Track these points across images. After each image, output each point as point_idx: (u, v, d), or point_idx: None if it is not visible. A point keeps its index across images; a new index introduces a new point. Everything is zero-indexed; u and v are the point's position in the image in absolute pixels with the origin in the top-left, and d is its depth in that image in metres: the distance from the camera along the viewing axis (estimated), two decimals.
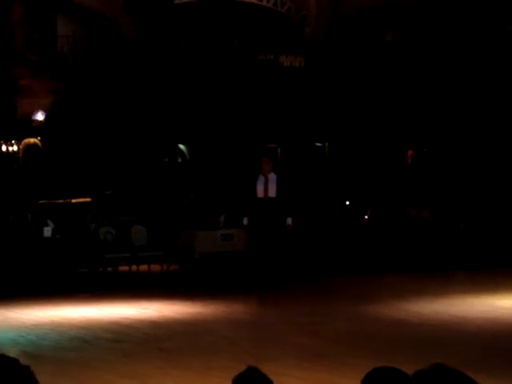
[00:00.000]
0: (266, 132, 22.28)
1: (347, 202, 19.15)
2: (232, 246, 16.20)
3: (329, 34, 22.93)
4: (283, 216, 13.82)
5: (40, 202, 17.63)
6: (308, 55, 22.92)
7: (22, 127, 20.81)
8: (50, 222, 16.04)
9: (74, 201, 18.33)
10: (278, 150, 22.78)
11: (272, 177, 13.88)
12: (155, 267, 16.66)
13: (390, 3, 22.78)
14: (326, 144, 23.03)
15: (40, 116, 21.07)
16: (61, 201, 18.17)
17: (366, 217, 18.40)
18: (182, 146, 23.34)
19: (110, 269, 16.31)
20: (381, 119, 22.19)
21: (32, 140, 21.05)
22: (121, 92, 21.46)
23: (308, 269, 16.43)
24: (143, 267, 16.56)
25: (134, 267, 16.44)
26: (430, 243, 17.57)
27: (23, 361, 9.33)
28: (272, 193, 13.76)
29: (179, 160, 23.26)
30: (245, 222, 13.99)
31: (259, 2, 22.83)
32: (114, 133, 21.55)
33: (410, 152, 19.46)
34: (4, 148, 21.05)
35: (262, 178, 13.87)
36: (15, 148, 21.04)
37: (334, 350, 9.36)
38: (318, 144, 23.06)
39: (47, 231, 15.79)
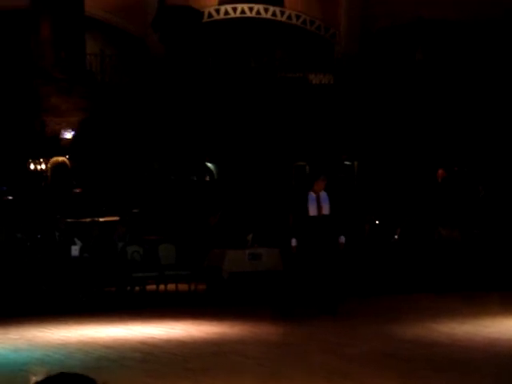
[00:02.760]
0: (294, 150, 22.21)
1: (377, 222, 18.99)
2: (260, 266, 16.08)
3: (358, 52, 22.87)
4: (337, 234, 13.58)
5: (67, 220, 17.66)
6: (337, 73, 22.87)
7: (50, 145, 20.90)
8: (77, 241, 16.04)
9: (101, 219, 18.34)
10: (307, 168, 22.70)
11: (323, 195, 13.63)
12: (183, 286, 16.59)
13: (420, 21, 22.69)
14: (355, 162, 22.90)
15: (68, 134, 21.16)
16: (88, 219, 18.19)
17: (396, 236, 18.24)
18: (210, 165, 23.33)
19: (137, 288, 16.28)
20: (410, 138, 22.05)
21: (60, 158, 21.13)
22: (149, 110, 21.50)
23: (337, 288, 16.25)
24: (171, 286, 16.50)
25: (161, 286, 16.38)
26: (461, 263, 17.37)
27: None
28: (326, 210, 13.52)
29: (207, 178, 23.24)
30: (293, 243, 13.61)
31: (288, 21, 22.83)
32: (142, 151, 21.58)
33: (440, 171, 19.31)
34: (32, 166, 21.14)
35: (312, 196, 13.60)
36: (43, 166, 21.11)
37: (362, 371, 9.24)
38: (347, 162, 22.94)
39: (75, 250, 15.79)
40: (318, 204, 13.47)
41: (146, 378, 9.20)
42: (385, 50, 22.78)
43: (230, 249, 16.17)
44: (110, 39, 22.59)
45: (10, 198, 20.27)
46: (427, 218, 18.64)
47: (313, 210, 13.47)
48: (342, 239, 13.61)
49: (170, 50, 22.14)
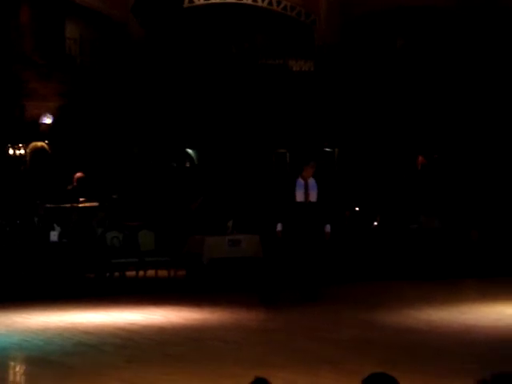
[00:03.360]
0: (275, 137, 22.19)
1: (357, 208, 19.03)
2: (240, 252, 16.09)
3: (339, 39, 22.85)
4: (322, 223, 13.52)
5: (47, 205, 17.58)
6: (317, 60, 22.85)
7: (30, 130, 20.77)
8: (56, 227, 15.97)
9: (80, 205, 18.25)
10: (287, 155, 22.69)
11: (312, 181, 13.55)
12: (162, 273, 16.57)
13: (400, 8, 22.70)
14: (336, 150, 22.92)
15: (47, 119, 21.04)
16: (67, 205, 18.10)
17: (376, 223, 18.28)
18: (190, 151, 23.27)
19: (116, 274, 16.23)
20: (391, 125, 22.08)
21: (39, 143, 21.01)
22: (129, 96, 21.40)
23: (317, 275, 16.28)
24: (150, 272, 16.47)
25: (141, 272, 16.35)
26: (439, 250, 17.45)
27: (28, 365, 9.29)
28: (313, 197, 13.45)
29: (187, 165, 23.18)
30: (278, 228, 13.51)
31: (269, 7, 22.77)
32: (122, 137, 21.49)
33: (420, 158, 19.36)
34: (11, 151, 21.01)
35: (301, 182, 13.52)
36: (22, 151, 21.00)
37: (342, 357, 9.28)
38: (328, 149, 22.95)
39: (54, 235, 15.71)
40: (306, 190, 13.42)
41: (125, 363, 9.19)
42: (365, 36, 22.77)
43: (210, 235, 16.16)
44: (90, 24, 22.45)
45: None
46: (407, 205, 18.70)
47: (300, 196, 13.43)
48: (328, 228, 13.56)
49: (151, 35, 22.02)
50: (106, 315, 12.53)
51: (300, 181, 13.48)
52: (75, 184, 18.42)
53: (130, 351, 9.85)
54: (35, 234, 16.03)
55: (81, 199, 18.24)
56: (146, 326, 11.56)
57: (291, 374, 8.17)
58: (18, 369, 9.73)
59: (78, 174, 18.49)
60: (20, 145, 20.94)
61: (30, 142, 20.95)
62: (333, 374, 8.40)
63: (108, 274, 16.13)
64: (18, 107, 21.03)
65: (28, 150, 20.99)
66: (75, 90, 21.14)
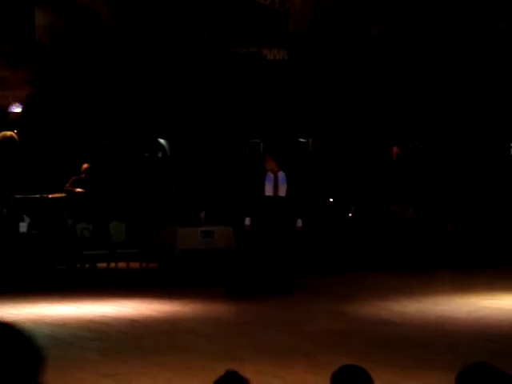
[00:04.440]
0: (248, 127, 22.05)
1: (331, 199, 18.96)
2: (213, 244, 15.95)
3: (313, 27, 22.72)
4: (293, 217, 13.34)
5: (16, 196, 17.33)
6: (291, 48, 22.72)
7: None
8: (26, 217, 15.73)
9: (50, 196, 18.00)
10: (261, 146, 22.57)
11: (281, 175, 13.36)
12: (134, 264, 16.40)
13: None
14: (310, 140, 22.82)
15: (16, 108, 20.79)
16: (37, 195, 17.85)
17: (350, 214, 18.21)
18: (162, 141, 23.09)
19: (87, 266, 16.04)
20: (365, 115, 22.02)
21: (8, 133, 20.76)
22: (99, 85, 21.17)
23: (290, 267, 16.19)
24: (121, 264, 16.30)
25: (112, 264, 16.17)
26: (414, 241, 17.42)
27: None
28: (282, 192, 13.26)
29: (159, 155, 23.00)
30: (247, 222, 13.36)
31: None
32: (93, 126, 21.26)
33: (394, 149, 19.30)
34: None
35: (270, 176, 13.34)
36: None
37: (315, 349, 9.25)
38: (302, 140, 22.85)
39: (23, 226, 15.49)
40: (275, 185, 13.28)
41: (96, 356, 9.12)
42: (340, 25, 22.67)
43: (183, 226, 16.01)
44: (60, 11, 22.18)
45: None
46: (381, 196, 18.65)
47: (269, 191, 13.27)
48: (299, 223, 13.41)
49: (121, 22, 21.80)
50: (76, 308, 12.40)
51: (269, 175, 13.32)
52: (83, 175, 18.10)
53: (101, 344, 9.78)
54: (4, 224, 15.80)
55: (78, 189, 17.96)
56: (118, 318, 11.45)
57: (263, 366, 8.13)
58: None
59: (85, 165, 18.18)
60: None
61: None
62: (305, 365, 8.37)
63: (79, 266, 15.93)
64: None
65: None
66: (45, 78, 20.88)
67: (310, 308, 12.26)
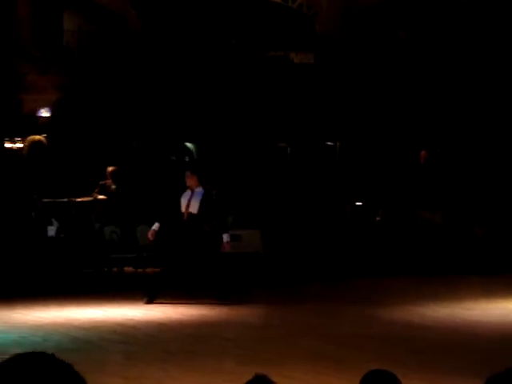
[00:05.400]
0: (275, 131, 22.02)
1: (358, 203, 18.89)
2: (240, 248, 15.92)
3: (340, 31, 22.67)
4: (219, 233, 13.13)
5: (44, 200, 17.40)
6: (318, 52, 22.68)
7: (27, 124, 20.62)
8: (54, 221, 15.79)
9: (78, 199, 18.07)
10: (288, 150, 22.53)
11: (198, 191, 13.19)
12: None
13: None
14: (337, 143, 22.74)
15: (45, 113, 20.90)
16: (65, 199, 17.92)
17: (378, 218, 18.13)
18: (189, 145, 23.12)
19: (115, 269, 16.06)
20: (393, 118, 21.91)
21: (37, 137, 20.87)
22: (128, 89, 21.24)
23: (318, 271, 16.17)
24: (148, 268, 16.30)
25: (139, 268, 16.17)
26: (442, 246, 17.30)
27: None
28: (193, 209, 13.07)
29: (186, 159, 23.02)
30: (154, 227, 13.18)
31: None
32: (121, 130, 21.33)
33: (422, 152, 19.17)
34: (9, 145, 20.89)
35: (187, 192, 13.19)
36: (20, 145, 20.88)
37: (343, 353, 9.20)
38: (329, 143, 22.77)
39: (51, 230, 15.56)
40: (189, 201, 13.13)
41: (124, 360, 9.12)
42: (367, 28, 22.59)
43: None
44: (88, 16, 22.29)
45: None
46: (409, 199, 18.54)
47: (183, 206, 13.14)
48: (226, 238, 13.09)
49: (149, 26, 21.87)
50: (104, 311, 12.43)
51: (187, 191, 13.19)
52: (109, 179, 18.14)
53: (129, 347, 9.81)
54: (32, 228, 15.86)
55: (100, 196, 17.98)
56: (145, 322, 11.48)
57: (290, 370, 8.09)
58: None
59: (111, 168, 18.19)
60: (17, 138, 20.82)
61: (28, 135, 20.82)
62: (333, 370, 8.33)
63: (106, 270, 15.96)
64: (16, 100, 20.88)
65: (25, 144, 20.86)
66: (73, 82, 20.98)
67: (337, 312, 12.20)
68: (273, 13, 22.74)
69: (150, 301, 12.95)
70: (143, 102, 21.29)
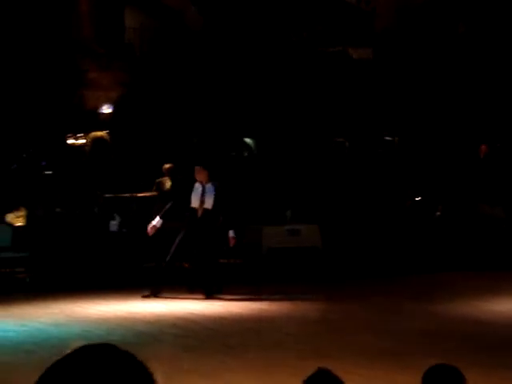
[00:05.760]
0: (333, 126, 22.01)
1: (418, 198, 18.79)
2: (299, 242, 15.99)
3: (398, 26, 22.54)
4: (226, 229, 13.09)
5: (106, 195, 17.65)
6: (377, 47, 22.59)
7: (90, 120, 20.89)
8: (116, 216, 16.00)
9: (139, 195, 18.28)
10: (346, 144, 22.50)
11: (209, 187, 13.15)
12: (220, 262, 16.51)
13: None
14: (396, 138, 22.64)
15: (107, 109, 21.14)
16: (127, 195, 18.14)
17: (438, 213, 18.02)
18: (248, 140, 23.22)
19: (176, 263, 16.18)
20: (453, 113, 21.73)
21: (99, 133, 21.12)
22: (188, 85, 21.41)
23: (377, 266, 16.14)
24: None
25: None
26: (502, 240, 17.13)
27: None
28: (208, 204, 13.04)
29: (246, 154, 23.12)
30: (154, 222, 13.10)
31: None
32: (181, 126, 21.51)
33: (483, 147, 19.00)
34: (71, 141, 21.18)
35: (198, 187, 13.12)
36: (82, 141, 21.15)
37: (402, 349, 9.19)
38: (388, 138, 22.68)
39: (113, 225, 15.76)
40: (202, 196, 13.05)
41: (185, 353, 9.22)
42: (426, 23, 22.43)
43: (269, 225, 16.09)
44: (149, 13, 22.49)
45: (49, 172, 20.32)
46: (469, 194, 18.39)
47: (194, 202, 13.05)
48: (232, 233, 13.08)
49: (209, 23, 22.00)
50: (165, 305, 12.56)
51: (197, 186, 13.11)
52: (167, 175, 18.28)
53: (190, 341, 9.89)
54: (95, 223, 16.10)
55: (140, 194, 18.14)
56: (205, 315, 11.58)
57: (350, 365, 8.08)
58: None
59: (167, 166, 18.33)
60: (80, 135, 21.10)
61: (90, 131, 21.09)
62: (394, 365, 8.32)
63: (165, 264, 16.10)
64: (78, 97, 21.16)
65: (88, 140, 21.13)
66: (135, 79, 21.20)
67: (398, 308, 12.17)
68: (331, 9, 22.71)
69: (153, 295, 13.00)
70: (203, 98, 21.42)
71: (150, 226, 13.19)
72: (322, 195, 19.27)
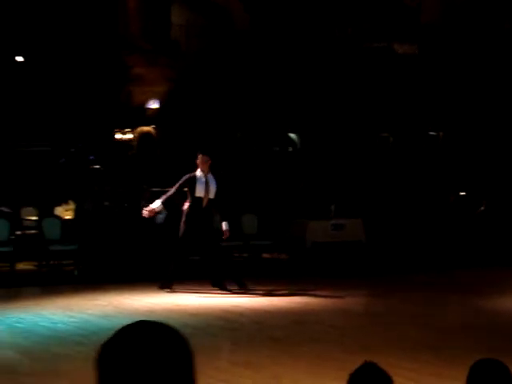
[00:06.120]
0: (378, 121, 22.00)
1: (462, 193, 18.74)
2: (343, 236, 16.06)
3: (444, 21, 22.44)
4: (219, 221, 13.13)
5: (153, 189, 17.83)
6: (422, 42, 22.52)
7: (137, 115, 21.08)
8: (163, 210, 16.15)
9: (185, 189, 18.41)
10: (391, 140, 22.49)
11: (211, 177, 13.13)
12: (265, 256, 16.65)
13: None
14: (440, 133, 22.56)
15: (154, 104, 21.30)
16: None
17: (482, 208, 17.96)
18: (292, 135, 23.29)
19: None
20: (499, 107, 21.59)
21: (146, 128, 21.30)
22: (233, 81, 21.53)
23: (421, 260, 16.16)
24: (253, 256, 16.56)
25: (244, 255, 16.45)
26: None
27: None
28: (212, 194, 13.05)
29: (290, 149, 23.20)
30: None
31: None
32: (226, 121, 21.64)
33: None
34: (119, 136, 21.39)
35: (201, 177, 13.10)
36: (129, 136, 21.34)
37: (447, 342, 9.19)
38: (432, 133, 22.62)
39: (160, 218, 15.92)
40: (206, 186, 13.09)
41: (231, 345, 9.31)
42: (472, 18, 22.31)
43: (313, 219, 16.18)
44: (196, 9, 22.63)
45: (98, 167, 20.58)
46: None
47: (200, 192, 13.10)
48: (225, 226, 13.12)
49: (255, 19, 22.09)
50: (211, 297, 12.67)
51: (200, 175, 13.12)
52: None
53: (236, 333, 9.97)
54: (142, 217, 16.27)
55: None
56: (251, 308, 11.65)
57: (394, 359, 8.09)
58: None
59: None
60: (127, 130, 21.30)
61: (137, 126, 21.27)
62: (438, 359, 8.33)
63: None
64: (125, 92, 21.37)
65: (135, 135, 21.33)
66: (181, 75, 21.35)
67: (443, 302, 12.18)
68: (376, 4, 22.68)
69: (167, 286, 13.10)
70: (248, 94, 21.52)
71: (149, 208, 13.17)
72: (366, 190, 19.30)
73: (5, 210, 16.69)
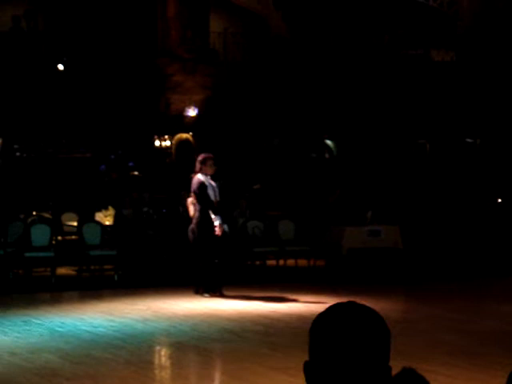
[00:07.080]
0: (415, 128, 21.98)
1: (499, 200, 18.68)
2: (379, 242, 16.08)
3: (482, 29, 22.38)
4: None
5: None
6: (459, 50, 22.47)
7: (175, 123, 21.24)
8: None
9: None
10: (427, 146, 22.47)
11: (214, 182, 13.31)
12: (302, 262, 16.71)
13: None
14: (478, 140, 22.49)
15: (192, 112, 21.45)
16: None
17: None
18: (329, 142, 23.35)
19: (257, 262, 16.46)
20: None
21: (184, 135, 21.46)
22: (270, 88, 21.63)
23: (458, 267, 16.13)
24: (290, 261, 16.64)
25: (281, 261, 16.53)
26: None
27: (172, 350, 9.50)
28: (218, 198, 13.22)
29: (326, 156, 23.25)
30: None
31: None
32: (264, 128, 21.74)
33: None
34: (157, 143, 21.58)
35: (209, 182, 13.27)
36: (168, 143, 21.52)
37: (484, 349, 9.20)
38: (469, 140, 22.55)
39: (226, 227, 16.02)
40: (214, 190, 13.21)
41: (267, 350, 9.36)
42: (508, 25, 22.22)
43: (350, 225, 16.23)
44: (234, 18, 22.77)
45: (137, 173, 20.79)
46: None
47: (211, 195, 13.20)
48: (225, 228, 13.24)
49: (293, 28, 22.19)
50: (247, 303, 12.74)
51: (206, 180, 13.20)
52: None
53: (272, 338, 10.02)
54: (180, 222, 16.45)
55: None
56: (288, 314, 11.70)
57: (432, 364, 8.12)
58: (164, 353, 10.11)
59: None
60: (166, 137, 21.47)
61: (176, 134, 21.44)
62: (475, 365, 8.36)
63: (250, 263, 16.40)
64: (164, 100, 21.56)
65: (173, 142, 21.50)
66: (219, 83, 21.47)
67: (476, 309, 12.19)
68: (413, 11, 22.67)
69: (212, 292, 13.18)
70: (285, 101, 21.61)
71: (217, 226, 13.31)
72: (402, 196, 19.30)
73: (46, 215, 16.95)
